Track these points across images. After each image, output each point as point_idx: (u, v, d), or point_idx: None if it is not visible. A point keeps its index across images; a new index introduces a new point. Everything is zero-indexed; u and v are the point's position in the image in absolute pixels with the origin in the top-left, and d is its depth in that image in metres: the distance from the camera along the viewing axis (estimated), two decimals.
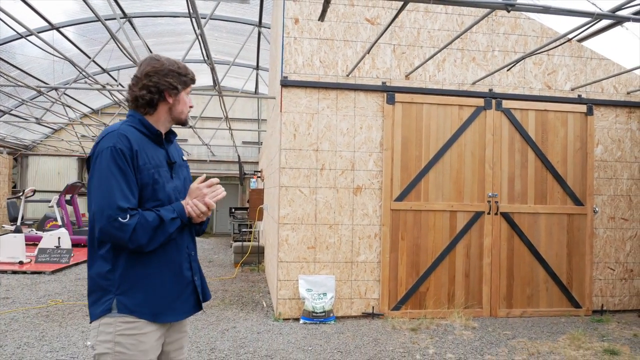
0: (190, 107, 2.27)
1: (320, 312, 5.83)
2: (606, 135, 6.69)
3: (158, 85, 2.11)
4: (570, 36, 5.00)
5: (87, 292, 2.11)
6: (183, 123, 2.27)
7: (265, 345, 5.00)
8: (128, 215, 1.93)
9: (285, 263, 6.00)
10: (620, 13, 4.11)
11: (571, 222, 6.52)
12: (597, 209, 6.57)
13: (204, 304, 2.31)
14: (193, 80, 2.25)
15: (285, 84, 6.04)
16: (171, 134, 2.29)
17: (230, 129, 14.70)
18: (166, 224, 2.02)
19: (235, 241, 11.99)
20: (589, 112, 6.59)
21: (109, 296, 2.01)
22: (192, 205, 2.12)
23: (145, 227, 1.96)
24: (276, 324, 5.78)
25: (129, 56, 7.61)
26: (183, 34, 12.52)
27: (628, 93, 6.76)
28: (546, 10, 3.86)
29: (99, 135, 2.10)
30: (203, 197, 2.14)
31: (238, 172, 18.47)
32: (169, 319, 2.13)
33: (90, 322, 2.06)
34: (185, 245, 2.20)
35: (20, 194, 11.72)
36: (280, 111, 6.08)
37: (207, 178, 2.19)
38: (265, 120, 17.59)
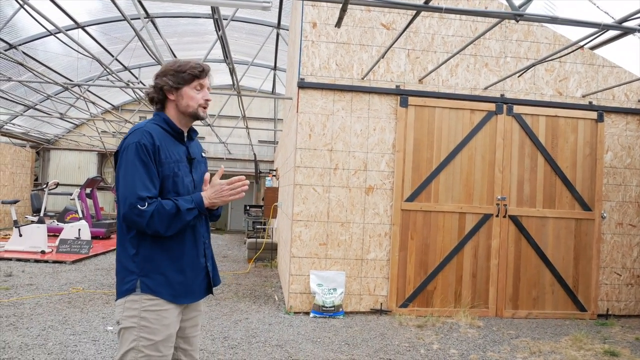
0: (207, 100, 2.37)
1: (330, 307, 6.03)
2: (616, 142, 6.79)
3: (159, 85, 2.34)
4: (583, 43, 5.12)
5: (115, 273, 2.36)
6: (196, 117, 2.38)
7: (276, 335, 5.22)
8: (146, 203, 2.14)
9: (298, 258, 6.21)
10: (628, 24, 4.24)
11: (579, 227, 6.63)
12: (605, 214, 6.68)
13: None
14: (194, 76, 2.33)
15: (302, 85, 6.25)
16: (192, 132, 2.49)
17: (247, 127, 14.95)
18: (182, 213, 2.20)
19: (249, 238, 12.25)
20: (600, 118, 6.69)
21: (133, 277, 2.24)
22: (210, 199, 2.30)
23: (162, 214, 2.15)
24: (287, 317, 6.00)
25: (152, 55, 7.88)
26: (204, 34, 12.81)
27: (639, 101, 6.85)
28: (554, 20, 4.01)
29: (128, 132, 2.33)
30: (222, 194, 2.31)
31: (254, 171, 18.78)
32: (186, 300, 2.34)
33: (116, 300, 2.29)
34: (201, 233, 2.40)
35: (44, 186, 12.10)
36: (297, 112, 6.29)
37: (228, 176, 2.39)
38: (282, 119, 17.86)
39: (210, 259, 2.47)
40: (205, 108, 2.38)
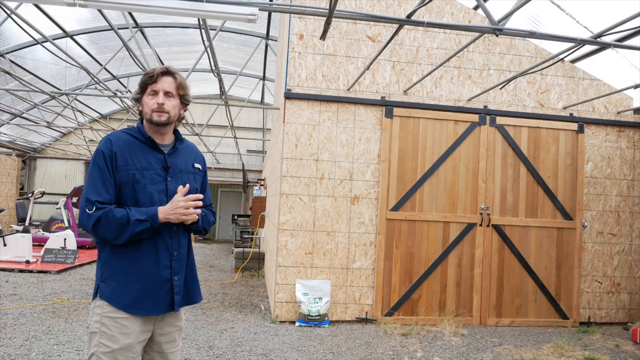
0: (159, 104, 2.28)
1: (315, 316, 6.06)
2: (596, 152, 6.94)
3: (133, 98, 2.41)
4: (562, 56, 5.26)
5: None
6: (152, 123, 2.31)
7: (261, 344, 5.24)
8: (94, 207, 2.15)
9: (284, 267, 6.24)
10: (604, 39, 4.38)
11: (561, 236, 6.75)
12: (586, 223, 6.80)
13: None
14: (145, 82, 2.31)
15: (289, 96, 6.32)
16: (178, 141, 2.44)
17: (235, 137, 14.98)
18: (131, 224, 2.15)
19: (236, 247, 12.25)
20: (580, 130, 6.84)
21: (96, 281, 2.29)
22: (166, 214, 2.24)
23: (111, 222, 2.14)
24: (273, 326, 6.01)
25: (139, 64, 7.92)
26: (192, 44, 12.88)
27: (618, 113, 7.01)
28: (532, 35, 4.13)
29: None
30: (176, 210, 2.25)
31: (242, 180, 18.79)
32: (140, 312, 2.24)
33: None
34: (166, 245, 2.30)
35: (30, 195, 12.02)
36: (283, 122, 6.36)
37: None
38: (270, 129, 17.93)
39: (180, 273, 2.36)
40: (159, 112, 2.29)
